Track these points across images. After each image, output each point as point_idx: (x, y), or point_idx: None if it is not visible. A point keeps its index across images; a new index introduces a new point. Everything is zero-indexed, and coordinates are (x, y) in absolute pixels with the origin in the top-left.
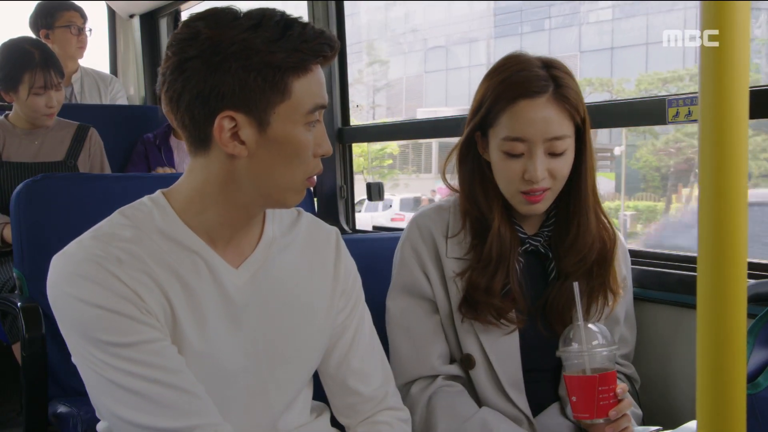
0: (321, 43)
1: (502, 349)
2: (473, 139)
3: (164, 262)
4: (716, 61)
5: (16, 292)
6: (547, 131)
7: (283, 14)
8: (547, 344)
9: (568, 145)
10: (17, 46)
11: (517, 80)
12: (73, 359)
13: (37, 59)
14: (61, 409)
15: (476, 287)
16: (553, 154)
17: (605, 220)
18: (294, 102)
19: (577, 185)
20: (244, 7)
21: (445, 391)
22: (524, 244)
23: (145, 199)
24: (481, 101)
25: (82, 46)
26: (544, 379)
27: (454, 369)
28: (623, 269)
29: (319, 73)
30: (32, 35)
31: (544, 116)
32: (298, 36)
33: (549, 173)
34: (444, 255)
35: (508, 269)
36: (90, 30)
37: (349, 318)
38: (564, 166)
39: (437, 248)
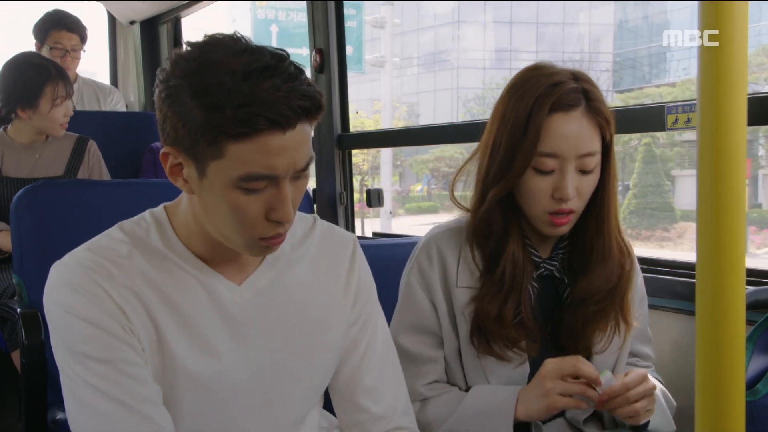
0: (261, 115)
1: (510, 382)
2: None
3: (154, 284)
4: (716, 62)
5: (15, 298)
6: (580, 147)
7: (253, 63)
8: None
9: (597, 161)
10: (27, 62)
11: (550, 93)
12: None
13: (53, 71)
14: (61, 415)
15: (487, 315)
16: (584, 172)
17: (624, 244)
18: (226, 164)
19: (600, 205)
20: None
21: (433, 399)
22: (539, 268)
23: (147, 213)
24: (515, 119)
25: (65, 67)
26: None
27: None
28: (637, 294)
29: (268, 141)
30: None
31: (577, 131)
32: (248, 94)
33: (577, 192)
34: (454, 285)
35: (521, 294)
36: (84, 50)
37: (362, 332)
38: (592, 184)
39: (447, 277)
